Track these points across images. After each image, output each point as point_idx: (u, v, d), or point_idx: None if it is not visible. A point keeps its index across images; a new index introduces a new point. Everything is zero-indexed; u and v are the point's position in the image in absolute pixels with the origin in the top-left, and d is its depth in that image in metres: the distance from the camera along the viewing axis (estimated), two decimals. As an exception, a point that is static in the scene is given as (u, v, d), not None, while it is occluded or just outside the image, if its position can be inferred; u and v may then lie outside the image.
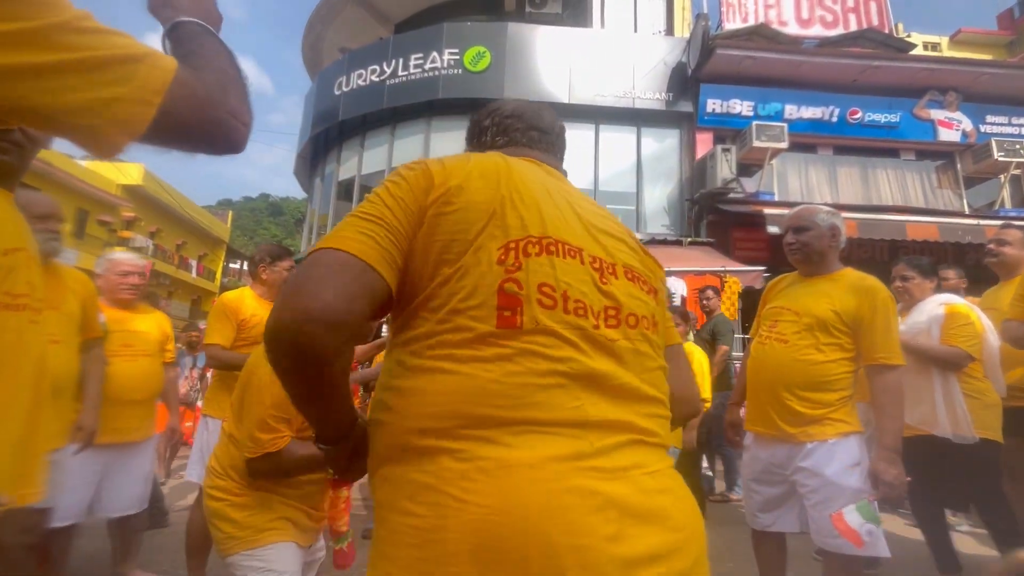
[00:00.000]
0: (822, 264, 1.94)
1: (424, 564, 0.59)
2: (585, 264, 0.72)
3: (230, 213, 30.94)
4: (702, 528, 0.69)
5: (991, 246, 2.74)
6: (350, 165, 11.20)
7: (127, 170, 19.11)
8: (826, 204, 8.48)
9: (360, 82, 10.54)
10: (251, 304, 2.58)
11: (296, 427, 1.43)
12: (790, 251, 1.98)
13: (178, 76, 0.57)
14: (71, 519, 2.16)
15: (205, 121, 0.61)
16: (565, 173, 0.98)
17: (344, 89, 10.76)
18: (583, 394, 0.65)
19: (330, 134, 11.46)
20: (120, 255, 2.66)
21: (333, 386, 0.68)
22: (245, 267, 32.08)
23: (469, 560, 0.57)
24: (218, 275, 27.23)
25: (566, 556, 0.56)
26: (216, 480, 1.53)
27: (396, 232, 0.68)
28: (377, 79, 10.32)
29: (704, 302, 4.75)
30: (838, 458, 1.75)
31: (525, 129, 0.97)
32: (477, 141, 1.00)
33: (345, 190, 11.38)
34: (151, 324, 2.64)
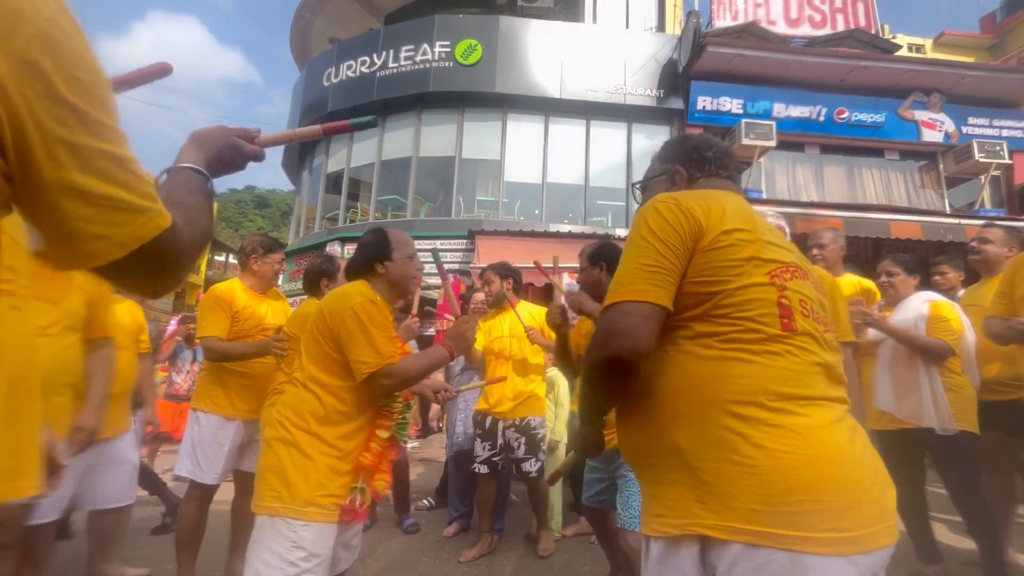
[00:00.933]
0: None
1: (769, 496, 0.83)
2: (811, 284, 1.00)
3: (215, 205, 30.40)
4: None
5: (974, 244, 2.80)
6: (339, 158, 11.09)
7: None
8: (813, 202, 8.51)
9: (350, 73, 10.43)
10: (242, 296, 2.54)
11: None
12: None
13: (164, 235, 0.59)
14: (52, 515, 2.12)
15: (157, 275, 0.63)
16: None
17: (333, 80, 10.64)
18: (826, 378, 0.93)
19: (319, 126, 11.33)
20: None
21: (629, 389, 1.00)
22: (230, 259, 31.56)
23: (806, 490, 0.82)
24: (203, 268, 26.85)
25: (867, 482, 0.87)
26: (282, 431, 1.50)
27: (672, 272, 0.95)
28: (367, 70, 10.22)
29: None
30: None
31: (736, 167, 1.26)
32: (698, 168, 1.21)
33: (334, 183, 11.28)
34: (123, 314, 2.56)
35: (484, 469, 3.01)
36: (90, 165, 0.52)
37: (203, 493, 2.44)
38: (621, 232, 9.12)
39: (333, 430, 1.51)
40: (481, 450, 3.03)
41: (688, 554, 0.89)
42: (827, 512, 0.82)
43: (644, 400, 0.98)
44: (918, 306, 2.60)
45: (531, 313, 3.11)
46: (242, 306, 2.49)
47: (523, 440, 2.97)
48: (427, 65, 9.76)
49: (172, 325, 5.53)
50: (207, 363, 2.59)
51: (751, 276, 0.93)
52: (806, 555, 0.80)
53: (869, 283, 2.96)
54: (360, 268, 1.76)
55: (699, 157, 1.20)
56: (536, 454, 2.99)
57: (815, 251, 2.74)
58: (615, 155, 9.88)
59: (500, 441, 3.01)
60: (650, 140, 9.94)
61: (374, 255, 1.74)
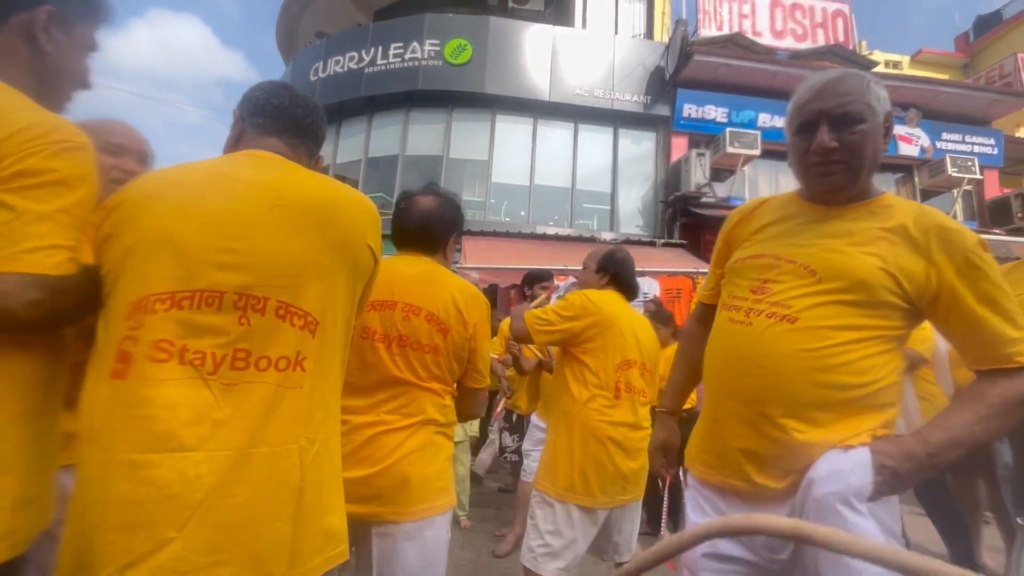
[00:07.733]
0: (861, 183, 1.10)
1: None
2: None
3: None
4: None
5: None
6: (324, 153, 10.94)
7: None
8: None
9: (337, 68, 10.32)
10: None
11: None
12: (827, 163, 1.09)
13: None
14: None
15: None
16: None
17: (320, 75, 10.51)
18: None
19: (304, 120, 11.17)
20: None
21: None
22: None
23: None
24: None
25: None
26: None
27: None
28: (355, 66, 10.12)
29: None
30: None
31: None
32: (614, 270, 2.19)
33: (318, 178, 11.12)
34: None
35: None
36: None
37: None
38: (607, 235, 9.18)
39: None
40: (511, 442, 3.49)
41: None
42: None
43: None
44: None
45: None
46: None
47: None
48: (416, 63, 9.70)
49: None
50: None
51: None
52: None
53: None
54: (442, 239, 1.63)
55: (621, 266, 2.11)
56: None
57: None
58: (602, 159, 9.95)
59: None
60: (636, 145, 10.03)
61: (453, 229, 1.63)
